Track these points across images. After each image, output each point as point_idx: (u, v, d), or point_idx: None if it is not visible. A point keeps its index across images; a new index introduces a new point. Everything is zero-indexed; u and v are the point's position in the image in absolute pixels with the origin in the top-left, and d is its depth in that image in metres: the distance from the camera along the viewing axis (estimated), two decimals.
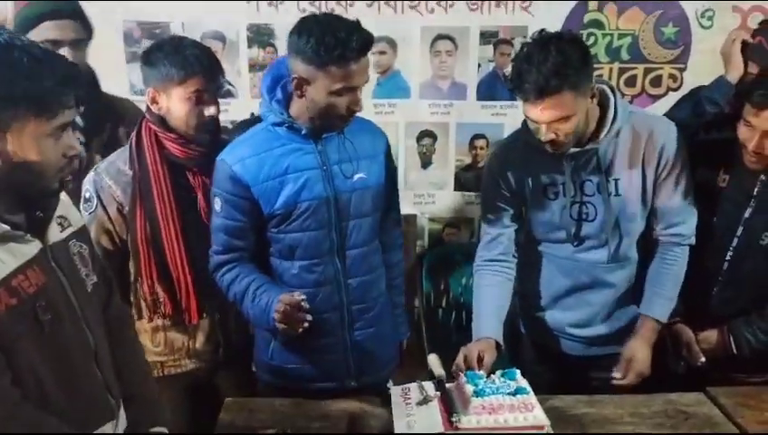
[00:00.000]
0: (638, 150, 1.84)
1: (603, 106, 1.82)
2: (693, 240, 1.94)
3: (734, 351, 1.96)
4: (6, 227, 1.23)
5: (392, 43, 2.80)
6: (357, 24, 1.68)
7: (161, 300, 1.91)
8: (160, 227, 1.87)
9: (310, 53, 1.64)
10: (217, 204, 1.83)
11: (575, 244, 1.96)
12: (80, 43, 2.13)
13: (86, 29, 2.17)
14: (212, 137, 1.89)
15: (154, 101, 1.85)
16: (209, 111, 1.84)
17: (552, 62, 1.63)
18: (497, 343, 1.90)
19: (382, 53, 2.78)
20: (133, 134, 1.91)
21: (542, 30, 1.75)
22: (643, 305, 1.94)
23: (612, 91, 1.83)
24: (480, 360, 1.82)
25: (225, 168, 1.80)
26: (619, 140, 1.83)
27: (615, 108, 1.80)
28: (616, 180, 1.87)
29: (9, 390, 1.21)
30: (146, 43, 2.86)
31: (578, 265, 1.99)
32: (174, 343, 1.98)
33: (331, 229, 1.84)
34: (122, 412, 1.47)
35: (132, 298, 1.94)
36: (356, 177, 1.85)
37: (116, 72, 2.71)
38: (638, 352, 1.88)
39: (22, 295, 1.22)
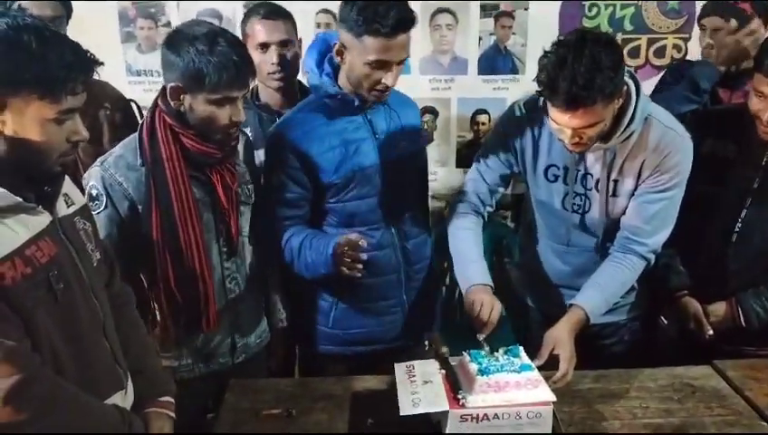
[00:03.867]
0: (641, 156, 1.79)
1: (623, 104, 1.72)
2: (652, 257, 1.88)
3: (743, 323, 1.93)
4: (19, 199, 1.23)
5: None
6: (401, 2, 1.74)
7: (179, 305, 1.76)
8: (178, 227, 1.71)
9: (350, 22, 1.72)
10: (274, 178, 1.90)
11: (566, 233, 1.96)
12: (58, 20, 2.08)
13: (65, 6, 2.13)
14: (233, 138, 1.77)
15: (175, 96, 1.67)
16: (237, 116, 1.69)
17: (586, 71, 1.54)
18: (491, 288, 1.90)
19: None
20: (144, 125, 1.74)
21: (577, 30, 1.68)
22: (578, 296, 1.84)
23: (637, 87, 1.74)
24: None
25: (283, 141, 1.87)
26: (628, 143, 1.78)
27: (634, 110, 1.73)
28: (615, 181, 1.84)
29: (31, 354, 1.23)
30: (141, 23, 2.85)
31: (570, 249, 1.99)
32: (187, 348, 1.86)
33: (385, 195, 1.93)
34: (130, 385, 1.49)
35: (148, 308, 1.81)
36: (403, 145, 1.95)
37: (110, 53, 2.68)
38: (561, 337, 1.75)
39: (36, 265, 1.24)
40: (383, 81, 1.79)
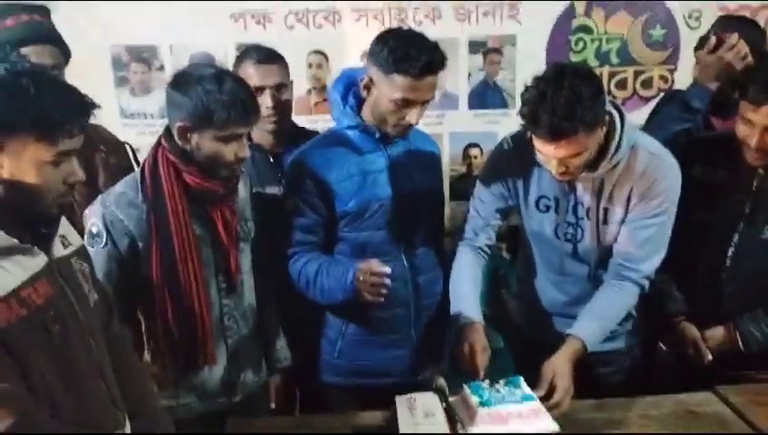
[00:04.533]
0: (629, 183, 1.82)
1: (608, 133, 1.76)
2: (646, 283, 1.88)
3: (742, 347, 1.93)
4: (14, 241, 1.24)
5: None
6: (434, 45, 1.79)
7: (176, 341, 1.76)
8: (178, 264, 1.72)
9: (381, 60, 1.78)
10: (290, 203, 1.94)
11: (560, 262, 1.97)
12: (58, 67, 2.11)
13: (64, 53, 2.16)
14: (236, 174, 1.79)
15: (182, 135, 1.69)
16: (242, 152, 1.72)
17: (566, 103, 1.58)
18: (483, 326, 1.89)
19: None
20: (146, 163, 1.76)
21: (555, 64, 1.72)
22: (575, 326, 1.83)
23: (621, 116, 1.78)
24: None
25: (303, 167, 1.92)
26: (616, 171, 1.80)
27: (619, 139, 1.76)
28: (605, 209, 1.86)
29: (26, 396, 1.22)
30: (134, 67, 2.89)
31: (565, 278, 2.00)
32: (184, 387, 1.84)
33: (399, 228, 1.96)
34: (128, 427, 1.47)
35: (146, 346, 1.81)
36: (419, 179, 1.99)
37: (104, 98, 2.69)
38: (560, 369, 1.73)
39: (31, 306, 1.24)
40: (407, 118, 1.84)
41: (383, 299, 1.82)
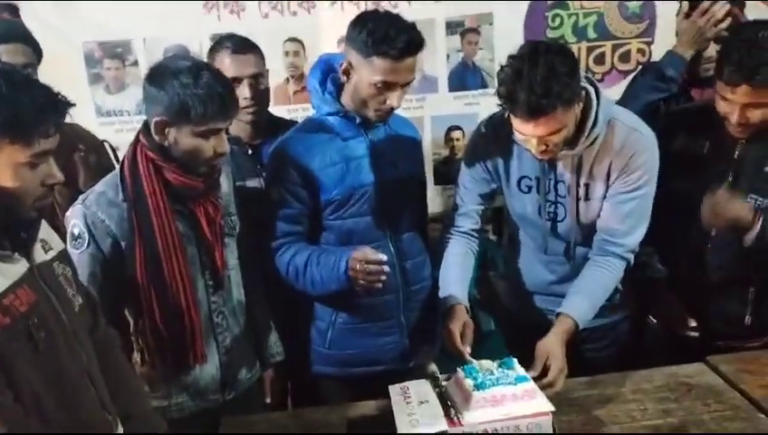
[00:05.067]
0: (608, 158, 1.82)
1: (585, 109, 1.76)
2: (631, 257, 1.88)
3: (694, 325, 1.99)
4: None
5: None
6: (411, 26, 1.78)
7: (165, 341, 1.74)
8: (163, 262, 1.69)
9: (359, 43, 1.76)
10: (274, 193, 1.92)
11: (543, 242, 1.97)
12: (30, 66, 2.07)
13: (36, 52, 2.11)
14: (216, 170, 1.76)
15: (159, 130, 1.65)
16: (221, 147, 1.69)
17: (542, 80, 1.58)
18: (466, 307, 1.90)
19: None
20: (125, 160, 1.73)
21: (529, 42, 1.71)
22: (564, 304, 1.83)
23: (597, 92, 1.78)
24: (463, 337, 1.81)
25: (285, 156, 1.90)
26: (594, 146, 1.81)
27: (596, 114, 1.76)
28: (586, 185, 1.86)
29: (14, 406, 1.21)
30: (108, 63, 2.83)
31: (549, 258, 2.00)
32: (176, 386, 1.82)
33: (384, 214, 1.95)
34: (121, 430, 1.46)
35: (135, 346, 1.79)
36: (401, 165, 1.98)
37: (79, 96, 2.64)
38: (553, 348, 1.73)
39: (15, 314, 1.22)
40: (388, 101, 1.83)
41: (381, 286, 1.81)
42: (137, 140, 1.73)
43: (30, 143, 1.20)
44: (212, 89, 1.61)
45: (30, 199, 1.25)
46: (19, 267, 1.27)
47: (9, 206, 1.23)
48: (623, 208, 1.84)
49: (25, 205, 1.25)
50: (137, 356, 1.78)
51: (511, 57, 1.66)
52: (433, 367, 1.78)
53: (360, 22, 1.79)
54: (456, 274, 1.97)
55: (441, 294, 1.93)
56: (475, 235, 2.06)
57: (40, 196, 1.27)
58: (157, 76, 1.65)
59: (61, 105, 1.25)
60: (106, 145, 2.35)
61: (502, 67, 1.67)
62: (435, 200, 2.93)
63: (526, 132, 1.70)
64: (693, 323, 1.98)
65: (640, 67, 2.56)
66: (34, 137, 1.20)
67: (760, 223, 1.81)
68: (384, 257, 1.79)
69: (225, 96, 1.64)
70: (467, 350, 1.77)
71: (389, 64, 1.75)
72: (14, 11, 2.34)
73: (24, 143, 1.20)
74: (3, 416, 1.17)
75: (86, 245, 1.68)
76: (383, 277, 1.79)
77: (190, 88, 1.60)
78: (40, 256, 1.35)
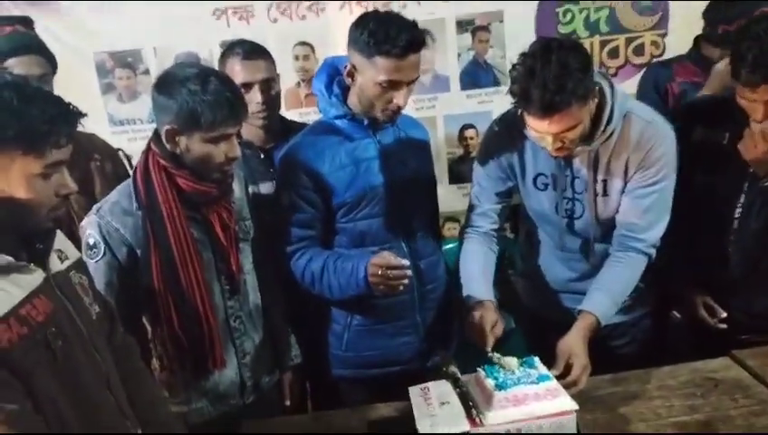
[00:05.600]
0: (625, 152, 1.79)
1: (600, 104, 1.74)
2: (653, 251, 1.85)
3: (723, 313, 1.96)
4: (9, 258, 1.22)
5: None
6: (412, 24, 1.76)
7: (184, 347, 1.73)
8: (179, 269, 1.69)
9: (361, 44, 1.75)
10: (285, 199, 1.91)
11: (560, 237, 1.95)
12: (45, 77, 2.08)
13: (51, 63, 2.13)
14: (229, 175, 1.76)
15: (170, 138, 1.65)
16: (233, 152, 1.67)
17: (555, 77, 1.56)
18: (495, 305, 1.88)
19: None
20: (138, 169, 1.73)
21: (540, 39, 1.69)
22: (586, 301, 1.82)
23: (611, 86, 1.76)
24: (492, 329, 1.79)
25: (294, 161, 1.89)
26: (611, 141, 1.78)
27: (612, 108, 1.74)
28: (604, 181, 1.84)
29: (33, 416, 1.21)
30: (119, 73, 2.85)
31: (568, 255, 1.98)
32: (196, 391, 1.81)
33: (396, 215, 1.93)
34: None
35: (153, 352, 1.80)
36: (412, 164, 1.97)
37: (91, 106, 2.66)
38: (575, 346, 1.72)
39: (32, 324, 1.22)
40: (395, 100, 1.81)
41: (403, 289, 1.80)
42: (148, 148, 1.73)
43: (42, 154, 1.21)
44: (220, 94, 1.60)
45: (44, 210, 1.26)
46: (35, 278, 1.27)
47: (24, 217, 1.24)
48: (643, 203, 1.81)
49: (40, 215, 1.26)
50: (156, 363, 1.78)
51: (523, 55, 1.64)
52: (453, 368, 1.76)
53: (361, 23, 1.77)
54: (478, 270, 1.95)
55: (465, 292, 1.91)
56: (494, 234, 2.04)
57: (54, 206, 1.28)
58: (165, 84, 1.64)
59: (72, 116, 1.25)
60: (120, 154, 2.35)
61: (514, 65, 1.65)
62: (450, 199, 2.92)
63: (541, 130, 1.68)
64: (723, 315, 1.95)
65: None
66: (47, 148, 1.21)
67: None
68: (406, 262, 1.77)
69: (234, 101, 1.63)
70: (491, 342, 1.75)
71: (393, 63, 1.74)
72: (29, 23, 2.35)
73: (36, 154, 1.20)
74: (24, 427, 1.17)
75: (102, 254, 1.68)
76: (405, 281, 1.78)
77: (198, 95, 1.59)
78: (56, 265, 1.35)
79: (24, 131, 1.18)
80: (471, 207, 2.06)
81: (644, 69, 2.77)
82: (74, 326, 1.33)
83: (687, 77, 2.29)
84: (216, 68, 2.22)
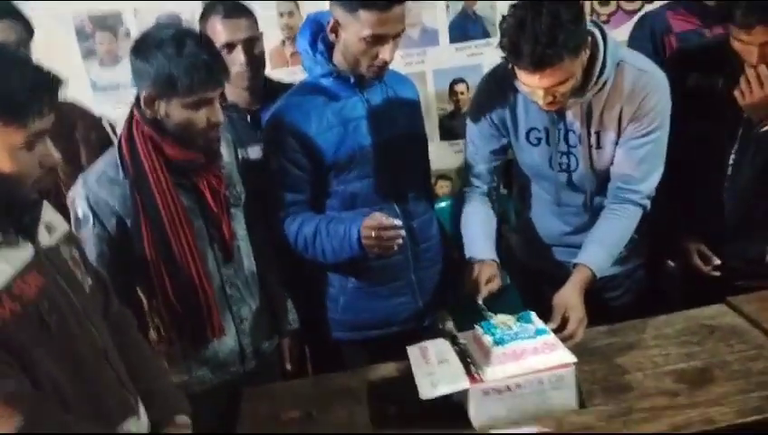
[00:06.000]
0: (618, 103, 1.77)
1: (592, 54, 1.70)
2: (647, 203, 1.84)
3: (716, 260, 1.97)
4: None
5: None
6: None
7: (181, 317, 1.72)
8: (170, 238, 1.66)
9: None
10: (274, 163, 1.87)
11: (557, 192, 1.94)
12: (23, 43, 2.02)
13: (26, 28, 2.06)
14: (215, 141, 1.71)
15: (149, 104, 1.61)
16: (215, 117, 1.63)
17: (546, 30, 1.52)
18: (498, 264, 1.88)
19: None
20: (122, 137, 1.68)
21: None
22: (581, 254, 1.81)
23: (603, 35, 1.72)
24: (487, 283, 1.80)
25: (281, 124, 1.85)
26: (603, 92, 1.76)
27: (604, 58, 1.71)
28: (597, 133, 1.81)
29: (33, 393, 1.20)
30: (100, 37, 2.77)
31: (563, 209, 1.97)
32: (196, 360, 1.80)
33: (387, 174, 1.90)
34: (142, 409, 1.46)
35: (150, 324, 1.78)
36: (401, 122, 1.93)
37: (73, 72, 2.60)
38: (571, 299, 1.72)
39: (24, 300, 1.20)
40: (380, 55, 1.76)
41: (397, 249, 1.78)
42: (131, 115, 1.68)
43: (24, 124, 1.17)
44: (197, 57, 1.55)
45: (29, 181, 1.23)
46: (25, 253, 1.25)
47: (9, 190, 1.21)
48: (637, 154, 1.80)
49: (25, 187, 1.23)
50: (153, 334, 1.77)
51: (513, 6, 1.60)
52: (450, 325, 1.78)
53: None
54: (478, 232, 1.94)
55: (467, 253, 1.90)
56: (492, 193, 2.02)
57: (39, 178, 1.25)
58: (141, 48, 1.59)
59: (53, 83, 1.22)
60: (104, 121, 2.30)
61: (504, 18, 1.61)
62: (442, 157, 2.89)
63: (532, 84, 1.65)
64: (717, 262, 1.95)
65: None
66: (29, 117, 1.17)
67: None
68: (399, 222, 1.75)
69: (212, 64, 1.58)
70: (484, 294, 1.76)
71: (377, 16, 1.69)
72: None
73: (18, 125, 1.17)
74: (23, 404, 1.16)
75: (91, 225, 1.66)
76: (399, 241, 1.76)
77: (174, 59, 1.54)
78: (45, 239, 1.33)
79: (4, 101, 1.14)
80: (468, 167, 2.03)
81: (636, 15, 2.73)
82: (68, 300, 1.31)
83: (684, 26, 2.23)
84: (197, 28, 2.17)
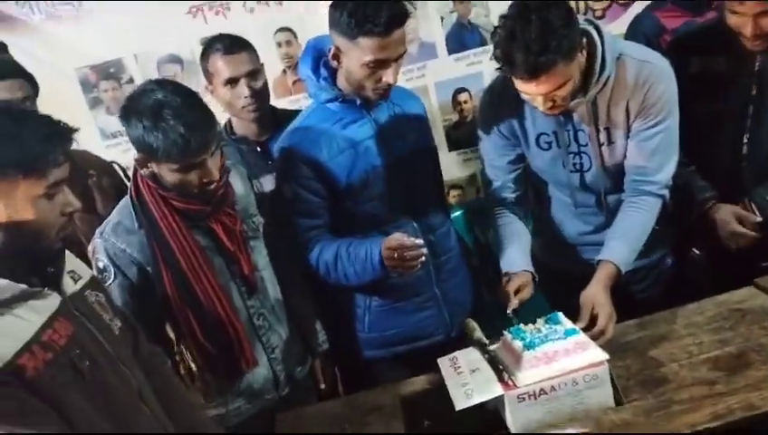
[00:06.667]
0: (624, 97, 1.76)
1: (590, 53, 1.71)
2: (666, 193, 1.83)
3: (758, 216, 1.89)
4: (23, 286, 1.22)
5: None
6: None
7: (212, 355, 1.73)
8: (191, 281, 1.68)
9: (342, 26, 1.69)
10: (288, 191, 1.86)
11: (572, 194, 1.93)
12: (29, 100, 2.06)
13: (32, 85, 2.10)
14: (216, 191, 1.68)
15: (142, 165, 1.62)
16: (208, 177, 1.61)
17: (538, 37, 1.52)
18: (533, 275, 1.87)
19: None
20: (131, 188, 1.71)
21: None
22: (604, 251, 1.80)
23: (599, 32, 1.72)
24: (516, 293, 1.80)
25: (292, 153, 1.85)
26: (607, 88, 1.75)
27: (602, 55, 1.70)
28: (606, 129, 1.81)
29: None
30: (104, 85, 2.81)
31: (580, 210, 1.97)
32: (231, 393, 1.81)
33: (402, 191, 1.90)
34: None
35: (181, 364, 1.80)
36: (410, 138, 1.93)
37: (81, 122, 2.62)
38: (598, 296, 1.71)
39: (56, 348, 1.22)
40: (384, 79, 1.76)
41: (420, 267, 1.75)
42: (135, 169, 1.69)
43: (43, 174, 1.21)
44: (173, 130, 1.51)
45: (53, 231, 1.26)
46: (52, 302, 1.27)
47: (34, 240, 1.24)
48: (649, 145, 1.78)
49: (50, 237, 1.26)
50: (185, 373, 1.79)
51: (503, 17, 1.61)
52: (478, 333, 1.75)
53: (339, 4, 1.71)
54: (509, 244, 1.93)
55: (503, 269, 1.89)
56: (520, 203, 2.02)
57: (62, 226, 1.28)
58: (124, 115, 1.59)
59: (65, 131, 1.25)
60: (115, 166, 2.33)
61: (495, 29, 1.62)
62: (451, 167, 2.89)
63: (530, 92, 1.66)
64: (758, 218, 1.90)
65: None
66: (46, 167, 1.21)
67: None
68: (420, 241, 1.73)
69: (189, 136, 1.52)
70: (513, 304, 1.76)
71: (377, 42, 1.68)
72: (3, 48, 2.33)
73: (37, 175, 1.20)
74: None
75: (113, 277, 1.67)
76: (422, 259, 1.73)
77: (151, 131, 1.52)
78: (70, 286, 1.35)
79: (20, 155, 1.18)
80: (489, 183, 2.03)
81: (631, 6, 2.73)
82: (98, 345, 1.32)
83: (676, 22, 2.22)
84: (199, 66, 2.20)
